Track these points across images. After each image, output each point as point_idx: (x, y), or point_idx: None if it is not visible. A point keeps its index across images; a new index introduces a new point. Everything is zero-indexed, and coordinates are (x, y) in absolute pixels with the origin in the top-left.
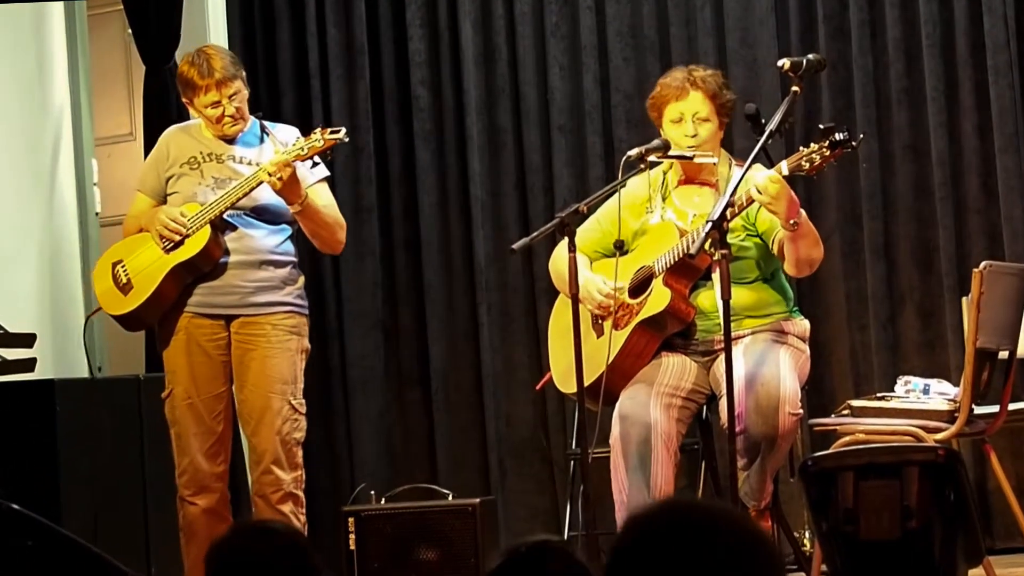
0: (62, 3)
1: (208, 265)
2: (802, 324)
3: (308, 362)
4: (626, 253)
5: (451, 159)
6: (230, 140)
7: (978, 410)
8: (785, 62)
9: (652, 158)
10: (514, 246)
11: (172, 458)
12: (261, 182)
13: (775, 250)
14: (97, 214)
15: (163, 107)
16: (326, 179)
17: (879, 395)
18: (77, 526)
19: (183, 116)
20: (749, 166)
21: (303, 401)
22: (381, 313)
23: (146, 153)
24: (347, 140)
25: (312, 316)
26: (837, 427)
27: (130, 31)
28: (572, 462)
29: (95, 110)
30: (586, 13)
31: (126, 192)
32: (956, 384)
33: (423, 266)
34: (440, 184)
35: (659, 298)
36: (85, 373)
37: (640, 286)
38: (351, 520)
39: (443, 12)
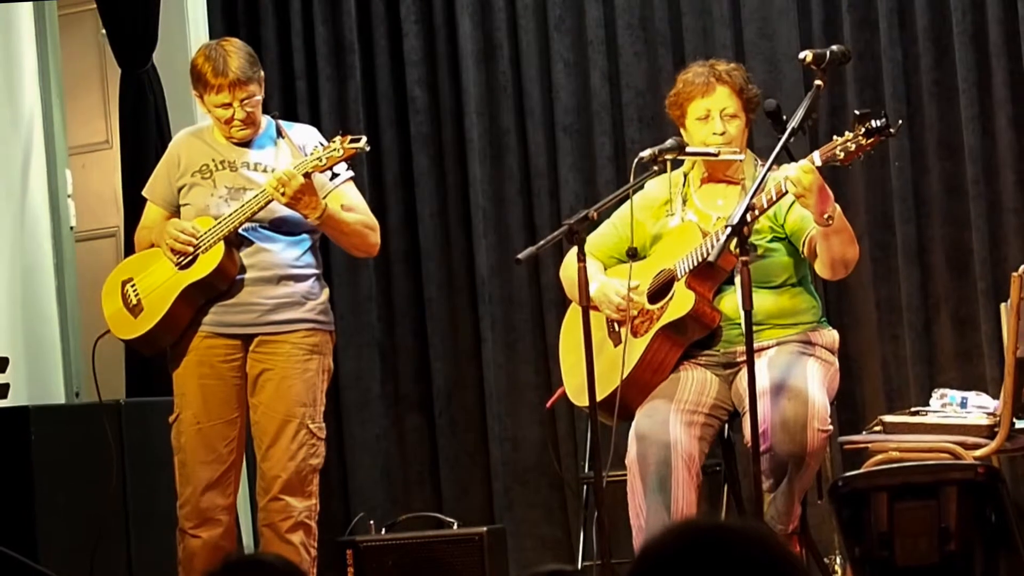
0: (31, 3)
1: (223, 284)
2: (831, 334)
3: None
4: (641, 260)
5: (450, 163)
6: (245, 144)
7: (1019, 424)
8: (807, 54)
9: (670, 157)
10: (520, 256)
11: (157, 489)
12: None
13: (805, 251)
14: (72, 228)
15: (141, 113)
16: (351, 179)
17: (913, 410)
18: (54, 562)
19: (162, 122)
20: (770, 166)
21: (322, 425)
22: (377, 330)
23: (123, 162)
24: (368, 149)
25: None
26: (869, 445)
27: (104, 32)
28: (585, 486)
29: (68, 117)
30: (592, 5)
31: (102, 204)
32: (995, 397)
33: (422, 279)
34: (439, 190)
35: (682, 301)
36: (62, 399)
37: (660, 291)
38: (349, 552)
39: (439, 6)
